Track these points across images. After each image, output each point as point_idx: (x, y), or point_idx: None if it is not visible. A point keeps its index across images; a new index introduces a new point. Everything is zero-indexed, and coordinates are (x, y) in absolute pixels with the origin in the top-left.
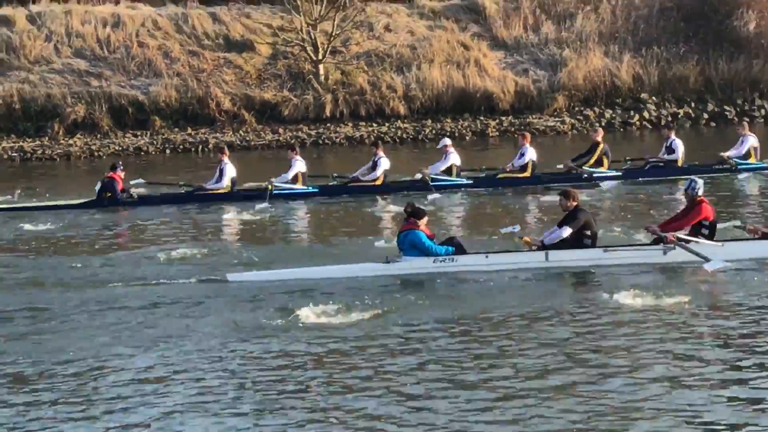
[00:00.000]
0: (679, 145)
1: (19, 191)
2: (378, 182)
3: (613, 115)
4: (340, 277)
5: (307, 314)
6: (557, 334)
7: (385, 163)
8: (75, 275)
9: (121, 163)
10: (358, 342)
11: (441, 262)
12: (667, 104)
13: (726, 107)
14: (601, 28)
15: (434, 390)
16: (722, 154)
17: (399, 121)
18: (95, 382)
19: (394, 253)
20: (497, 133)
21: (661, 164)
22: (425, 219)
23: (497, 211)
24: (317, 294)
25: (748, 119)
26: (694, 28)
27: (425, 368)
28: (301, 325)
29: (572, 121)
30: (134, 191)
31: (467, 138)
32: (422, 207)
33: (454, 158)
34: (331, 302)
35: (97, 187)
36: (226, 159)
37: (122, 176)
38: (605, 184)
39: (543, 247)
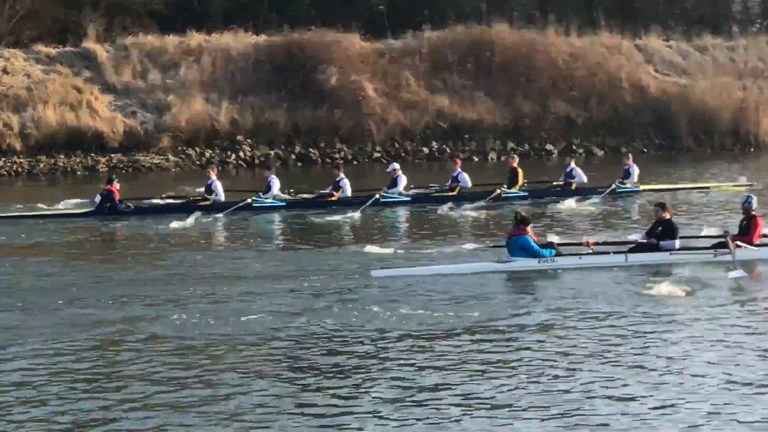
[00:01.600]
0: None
1: None
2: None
3: (213, 155)
4: (464, 273)
5: (441, 303)
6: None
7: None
8: (238, 272)
9: (115, 177)
10: (483, 327)
11: (544, 262)
12: (260, 146)
13: (311, 150)
14: (203, 77)
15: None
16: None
17: (15, 156)
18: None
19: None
20: (107, 169)
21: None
22: (530, 225)
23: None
24: (448, 287)
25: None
26: (284, 79)
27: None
28: (436, 312)
29: (176, 159)
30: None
31: (78, 173)
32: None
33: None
34: (459, 293)
35: (97, 198)
36: (213, 176)
37: (118, 188)
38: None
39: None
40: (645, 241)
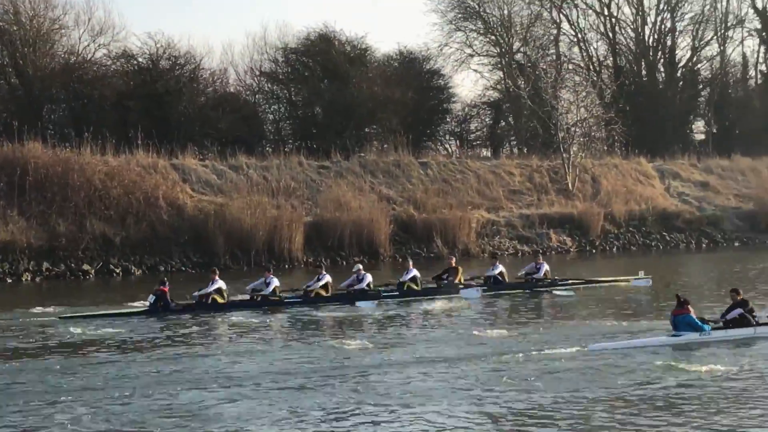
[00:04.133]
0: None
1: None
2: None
3: None
4: (652, 345)
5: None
6: None
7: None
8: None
9: (166, 278)
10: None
11: (704, 335)
12: None
13: None
14: None
15: None
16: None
17: None
18: None
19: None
20: None
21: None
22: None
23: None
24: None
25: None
26: None
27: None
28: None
29: None
30: (177, 301)
31: None
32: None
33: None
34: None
35: (151, 299)
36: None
37: (168, 289)
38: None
39: (726, 322)
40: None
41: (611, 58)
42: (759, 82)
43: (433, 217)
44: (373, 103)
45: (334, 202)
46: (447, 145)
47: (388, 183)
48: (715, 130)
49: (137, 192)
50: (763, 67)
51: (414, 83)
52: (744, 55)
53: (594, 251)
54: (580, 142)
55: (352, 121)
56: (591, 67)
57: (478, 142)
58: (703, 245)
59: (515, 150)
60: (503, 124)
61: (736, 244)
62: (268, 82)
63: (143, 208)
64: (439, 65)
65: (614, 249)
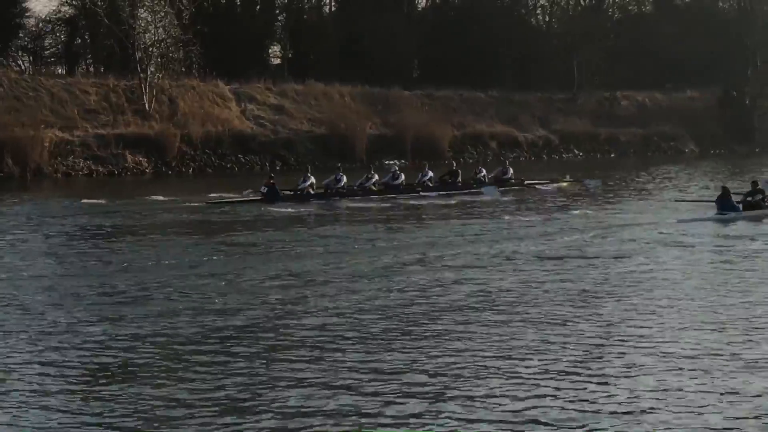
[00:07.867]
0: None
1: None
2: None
3: None
4: None
5: None
6: None
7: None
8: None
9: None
10: None
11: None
12: None
13: None
14: None
15: None
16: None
17: None
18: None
19: None
20: None
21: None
22: None
23: None
24: None
25: None
26: None
27: None
28: None
29: None
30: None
31: None
32: None
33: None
34: None
35: (263, 189)
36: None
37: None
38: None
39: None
40: None
41: None
42: (333, 9)
43: (3, 135)
44: None
45: None
46: (20, 62)
47: None
48: (290, 55)
49: None
50: None
51: None
52: None
53: (170, 172)
54: (158, 62)
55: None
56: None
57: (53, 59)
58: (278, 167)
59: (92, 69)
60: (79, 41)
61: (309, 167)
62: None
63: None
64: None
65: (190, 170)
